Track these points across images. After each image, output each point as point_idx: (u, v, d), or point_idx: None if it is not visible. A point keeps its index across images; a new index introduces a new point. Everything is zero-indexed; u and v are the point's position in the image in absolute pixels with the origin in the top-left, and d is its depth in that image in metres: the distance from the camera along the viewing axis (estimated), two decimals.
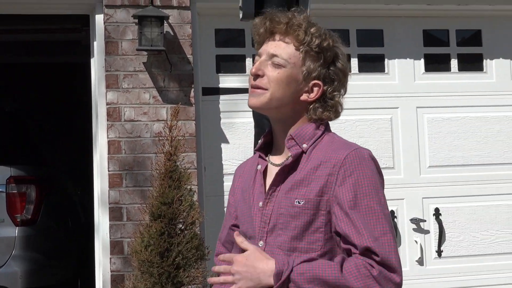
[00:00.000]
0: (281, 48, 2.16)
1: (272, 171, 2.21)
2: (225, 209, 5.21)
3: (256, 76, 2.17)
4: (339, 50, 2.21)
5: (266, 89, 2.15)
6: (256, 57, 2.22)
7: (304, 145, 2.16)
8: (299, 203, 2.10)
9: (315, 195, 2.09)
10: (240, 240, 2.14)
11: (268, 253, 2.11)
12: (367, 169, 2.08)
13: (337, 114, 2.22)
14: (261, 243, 2.16)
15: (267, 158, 2.26)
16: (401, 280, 2.01)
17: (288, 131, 2.19)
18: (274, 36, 2.19)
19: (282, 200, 2.14)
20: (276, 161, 2.22)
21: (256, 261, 2.07)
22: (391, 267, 1.99)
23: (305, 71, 2.16)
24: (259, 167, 2.24)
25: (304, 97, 2.18)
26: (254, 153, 2.35)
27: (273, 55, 2.16)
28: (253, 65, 2.22)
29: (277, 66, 2.15)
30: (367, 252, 2.01)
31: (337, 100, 2.20)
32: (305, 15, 2.20)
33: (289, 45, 2.16)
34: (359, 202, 2.04)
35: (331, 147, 2.14)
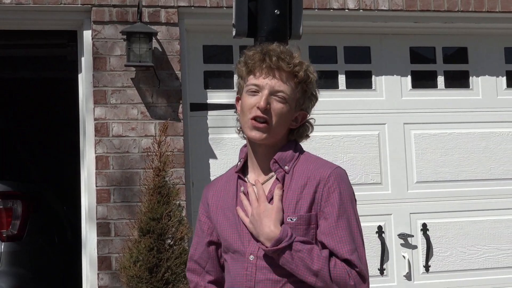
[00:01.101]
0: (285, 85, 2.34)
1: (251, 190, 2.36)
2: None
3: (265, 110, 2.31)
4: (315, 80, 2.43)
5: (269, 123, 2.31)
6: (253, 87, 2.34)
7: (286, 167, 2.35)
8: (291, 219, 2.27)
9: (305, 211, 2.28)
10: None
11: (260, 267, 2.27)
12: (347, 187, 2.32)
13: (308, 135, 2.45)
14: (251, 257, 2.29)
15: (245, 178, 2.40)
16: None
17: (270, 154, 2.36)
18: (277, 72, 2.33)
19: None
20: (254, 181, 2.37)
21: (265, 219, 2.25)
22: (363, 278, 2.24)
23: (297, 104, 2.37)
24: (242, 189, 2.38)
25: (292, 125, 2.39)
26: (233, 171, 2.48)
27: (279, 91, 2.33)
28: (248, 93, 2.35)
29: (282, 100, 2.33)
30: (347, 262, 2.22)
31: (310, 122, 2.44)
32: (298, 51, 2.40)
33: (291, 82, 2.34)
34: (341, 217, 2.26)
35: (312, 165, 2.35)
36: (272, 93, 2.31)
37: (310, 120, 2.43)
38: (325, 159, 2.38)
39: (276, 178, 2.33)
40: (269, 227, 2.23)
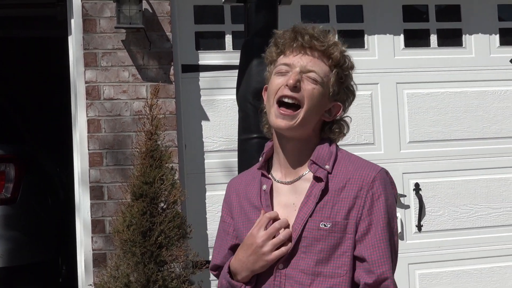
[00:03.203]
0: (318, 65, 2.13)
1: (280, 190, 2.18)
2: (206, 186, 5.23)
3: (294, 88, 2.10)
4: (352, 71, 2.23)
5: (299, 107, 2.10)
6: (283, 67, 2.15)
7: (327, 166, 2.13)
8: (325, 225, 2.08)
9: (342, 217, 2.08)
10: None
11: (289, 277, 2.10)
12: (391, 194, 2.12)
13: (344, 134, 2.23)
14: (281, 266, 2.11)
15: (270, 175, 2.21)
16: None
17: (300, 150, 2.15)
18: (310, 51, 2.14)
19: (305, 222, 2.10)
20: (283, 179, 2.18)
21: None
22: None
23: (331, 92, 2.16)
24: (264, 187, 2.19)
25: (325, 117, 2.17)
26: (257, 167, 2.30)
27: (310, 71, 2.12)
28: (277, 74, 2.16)
29: (314, 81, 2.12)
30: (383, 281, 2.05)
31: (346, 121, 2.22)
32: (334, 32, 2.20)
33: (325, 64, 2.14)
34: (385, 229, 2.07)
35: (352, 166, 2.13)
36: (304, 72, 2.11)
37: (346, 118, 2.21)
38: (367, 160, 2.17)
39: (315, 179, 2.12)
40: None
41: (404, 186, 5.47)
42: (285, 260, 2.11)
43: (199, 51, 5.30)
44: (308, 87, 2.11)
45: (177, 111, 5.04)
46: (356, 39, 5.53)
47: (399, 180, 5.45)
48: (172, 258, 4.18)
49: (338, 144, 2.23)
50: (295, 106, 2.11)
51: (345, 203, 2.08)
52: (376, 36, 5.55)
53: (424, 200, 5.48)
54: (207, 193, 5.18)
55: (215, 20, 5.38)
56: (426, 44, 5.68)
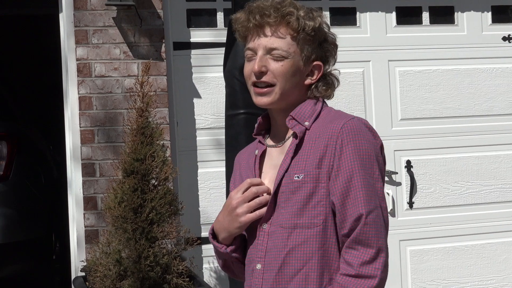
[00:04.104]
0: (278, 40, 2.15)
1: (271, 153, 2.24)
2: (198, 163, 5.24)
3: (260, 73, 2.15)
4: (325, 24, 2.22)
5: (273, 85, 2.15)
6: (248, 52, 2.19)
7: (306, 123, 2.16)
8: (298, 177, 2.10)
9: (314, 167, 2.09)
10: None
11: (271, 234, 2.14)
12: (364, 140, 2.08)
13: (334, 89, 2.25)
14: (264, 225, 2.16)
15: (265, 142, 2.27)
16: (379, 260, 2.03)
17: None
18: (266, 29, 2.16)
19: (281, 178, 2.14)
20: (276, 143, 2.24)
21: None
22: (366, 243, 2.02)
23: (304, 57, 2.17)
24: (256, 152, 2.25)
25: (307, 81, 2.20)
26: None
27: (272, 49, 2.15)
28: (246, 60, 2.21)
29: (279, 58, 2.15)
30: (356, 222, 2.03)
31: (334, 75, 2.24)
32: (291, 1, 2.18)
33: (286, 36, 2.15)
34: (357, 174, 2.05)
35: (328, 119, 2.15)
36: (267, 52, 2.14)
37: (334, 72, 2.23)
38: (345, 113, 2.19)
39: (294, 136, 2.16)
40: None
41: (396, 163, 5.49)
42: (267, 219, 2.15)
43: (190, 28, 5.29)
44: (275, 66, 2.14)
45: (168, 88, 5.03)
46: (348, 17, 5.52)
47: (390, 158, 5.48)
48: (163, 235, 4.19)
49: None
50: (270, 85, 2.16)
51: (316, 154, 2.10)
52: (368, 13, 5.53)
53: (415, 177, 5.50)
54: (199, 170, 5.19)
55: None
56: (418, 21, 5.67)
